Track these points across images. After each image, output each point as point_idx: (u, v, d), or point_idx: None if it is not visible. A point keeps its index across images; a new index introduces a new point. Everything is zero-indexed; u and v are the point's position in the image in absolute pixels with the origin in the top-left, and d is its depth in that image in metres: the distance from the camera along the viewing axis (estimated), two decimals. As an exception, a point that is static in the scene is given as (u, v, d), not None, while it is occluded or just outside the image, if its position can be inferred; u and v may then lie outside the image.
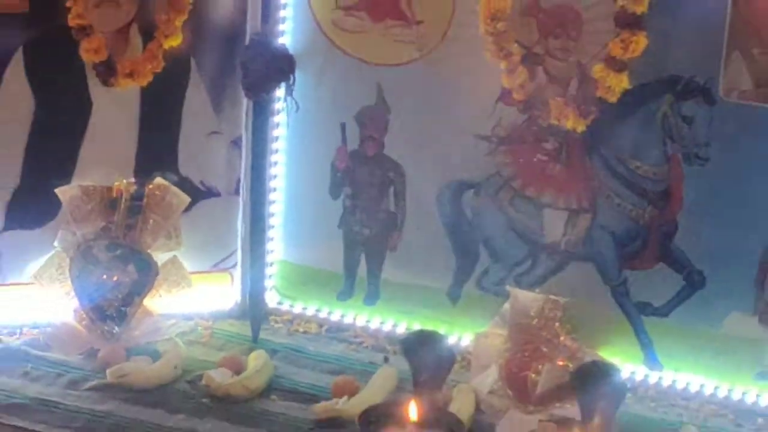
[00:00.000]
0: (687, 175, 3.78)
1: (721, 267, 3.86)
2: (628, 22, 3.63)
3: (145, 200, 3.97)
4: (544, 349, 3.82)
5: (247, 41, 3.96)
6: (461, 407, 3.61)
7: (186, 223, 4.03)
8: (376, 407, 3.40)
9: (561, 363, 3.76)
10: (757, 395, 3.81)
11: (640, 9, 3.61)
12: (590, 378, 3.46)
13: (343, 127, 3.99)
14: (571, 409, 3.59)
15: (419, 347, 3.52)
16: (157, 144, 4.02)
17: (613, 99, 3.70)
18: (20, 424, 3.65)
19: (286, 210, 4.12)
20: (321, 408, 3.69)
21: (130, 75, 3.86)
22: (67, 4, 3.78)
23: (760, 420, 3.78)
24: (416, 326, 3.87)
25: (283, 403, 3.74)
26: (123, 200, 3.94)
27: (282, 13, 3.96)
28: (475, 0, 3.79)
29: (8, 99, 3.91)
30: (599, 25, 3.71)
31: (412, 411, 3.25)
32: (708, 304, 3.87)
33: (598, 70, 3.69)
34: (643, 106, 3.78)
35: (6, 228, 3.96)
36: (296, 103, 3.97)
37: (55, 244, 3.94)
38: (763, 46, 3.72)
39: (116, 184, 3.94)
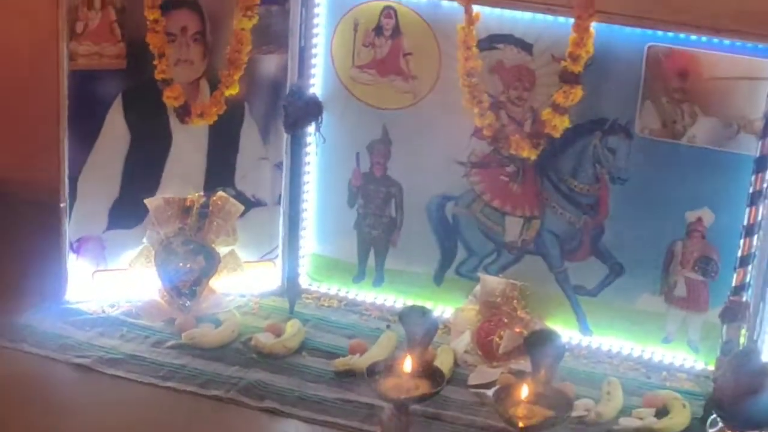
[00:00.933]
0: (611, 192, 3.77)
1: (635, 260, 3.81)
2: (568, 79, 3.60)
3: (210, 208, 3.95)
4: (505, 320, 3.80)
5: (287, 90, 3.91)
6: (443, 362, 3.61)
7: (241, 225, 4.01)
8: (380, 362, 3.42)
9: (518, 330, 3.76)
10: (662, 355, 3.79)
11: (578, 69, 3.58)
12: (539, 341, 3.40)
13: (357, 155, 3.97)
14: (524, 364, 3.56)
15: (412, 318, 3.47)
16: (220, 166, 4.01)
17: (557, 135, 3.67)
18: (117, 374, 3.62)
19: (315, 216, 4.09)
20: (339, 362, 3.68)
21: (201, 115, 3.83)
22: (154, 63, 3.73)
23: (664, 373, 3.75)
24: (410, 302, 3.88)
25: (312, 359, 3.74)
26: (194, 208, 3.94)
27: (313, 70, 3.90)
28: (455, 61, 3.73)
29: (110, 134, 3.86)
30: (547, 80, 3.70)
31: (407, 365, 3.28)
32: (626, 287, 3.83)
33: (546, 113, 3.65)
34: (579, 140, 3.75)
35: (109, 228, 3.93)
36: (323, 136, 3.95)
37: (144, 240, 3.94)
38: (668, 96, 3.65)
39: (189, 196, 3.93)
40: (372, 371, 3.37)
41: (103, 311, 3.92)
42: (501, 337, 3.78)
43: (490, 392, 3.46)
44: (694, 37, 3.60)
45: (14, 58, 4.39)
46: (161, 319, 3.91)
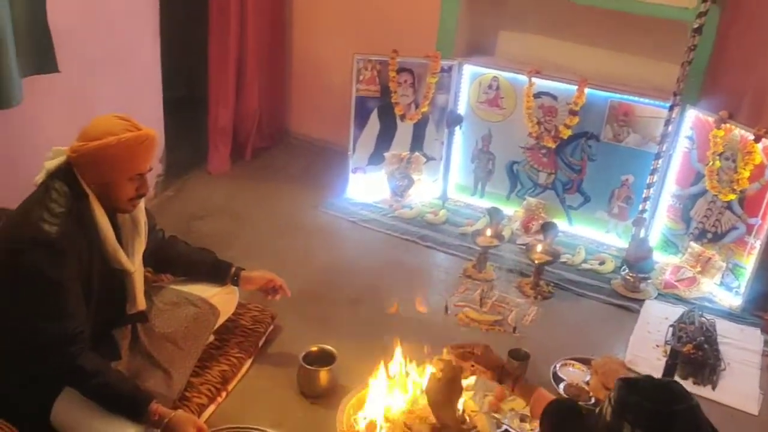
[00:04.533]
0: (588, 165, 3.83)
1: (596, 196, 3.86)
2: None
3: (411, 159, 4.08)
4: (538, 215, 3.93)
5: (448, 110, 4.00)
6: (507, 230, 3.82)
7: (424, 167, 4.09)
8: (480, 228, 3.68)
9: (540, 221, 3.90)
10: (605, 238, 3.87)
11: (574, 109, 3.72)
12: (548, 226, 3.65)
13: (476, 141, 4.01)
14: (541, 236, 3.70)
15: (495, 211, 3.74)
16: (417, 142, 4.07)
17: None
18: (367, 226, 3.82)
19: (458, 165, 4.12)
20: (461, 229, 3.82)
21: (411, 119, 3.99)
22: (392, 94, 3.89)
23: (605, 246, 3.84)
24: (494, 206, 3.87)
25: (450, 227, 3.87)
26: (405, 159, 4.07)
27: (459, 102, 3.95)
28: (521, 101, 3.85)
29: (371, 124, 3.94)
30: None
31: (488, 231, 3.60)
32: (591, 207, 3.93)
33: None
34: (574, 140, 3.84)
35: (368, 164, 4.06)
36: (462, 130, 4.03)
37: (383, 170, 4.05)
38: (617, 123, 3.67)
39: (403, 153, 4.03)
40: (475, 234, 3.65)
41: (363, 200, 4.06)
42: (534, 225, 3.91)
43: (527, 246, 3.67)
44: (629, 96, 3.69)
45: (337, 89, 4.26)
46: (387, 204, 4.05)
